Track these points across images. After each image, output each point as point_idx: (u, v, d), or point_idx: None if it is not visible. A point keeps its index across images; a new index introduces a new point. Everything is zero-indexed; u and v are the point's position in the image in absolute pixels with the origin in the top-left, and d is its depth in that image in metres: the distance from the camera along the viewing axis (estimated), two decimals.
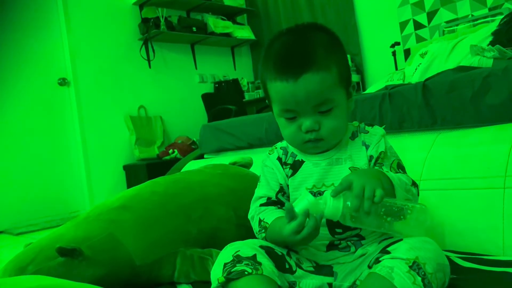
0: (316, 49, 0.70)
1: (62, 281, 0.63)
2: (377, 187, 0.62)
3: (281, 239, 0.71)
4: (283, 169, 0.80)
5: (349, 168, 0.76)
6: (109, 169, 3.40)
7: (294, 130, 0.73)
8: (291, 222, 0.65)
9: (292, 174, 0.79)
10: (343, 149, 0.78)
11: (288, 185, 0.80)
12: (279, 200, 0.80)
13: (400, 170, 0.77)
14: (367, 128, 0.80)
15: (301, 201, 0.66)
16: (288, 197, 0.80)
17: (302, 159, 0.79)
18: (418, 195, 0.75)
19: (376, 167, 0.75)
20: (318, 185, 0.76)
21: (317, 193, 0.76)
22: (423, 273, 0.60)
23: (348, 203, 0.64)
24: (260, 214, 0.79)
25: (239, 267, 0.64)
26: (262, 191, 0.82)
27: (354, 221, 0.65)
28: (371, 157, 0.77)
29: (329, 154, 0.77)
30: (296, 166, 0.79)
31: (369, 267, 0.68)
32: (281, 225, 0.69)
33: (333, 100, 0.71)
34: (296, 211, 0.66)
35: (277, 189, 0.80)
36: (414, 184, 0.74)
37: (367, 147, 0.78)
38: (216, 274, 0.66)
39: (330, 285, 0.72)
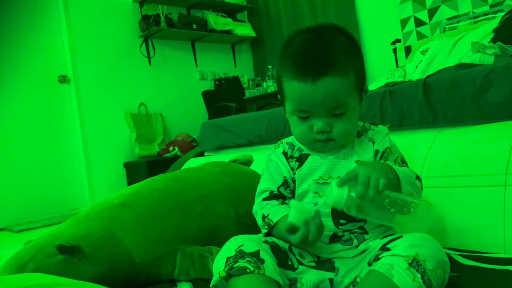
0: (337, 53, 0.70)
1: (62, 279, 0.63)
2: (381, 177, 0.63)
3: (288, 242, 0.72)
4: (289, 162, 0.81)
5: (355, 162, 0.77)
6: (110, 166, 3.40)
7: (306, 130, 0.74)
8: (296, 234, 0.67)
9: (299, 166, 0.79)
10: (350, 146, 0.79)
11: (293, 179, 0.80)
12: (281, 193, 0.81)
13: (404, 164, 0.79)
14: (372, 127, 0.82)
15: (293, 213, 0.68)
16: (292, 190, 0.81)
17: (308, 153, 0.80)
18: (422, 189, 0.76)
19: (381, 161, 0.77)
20: (325, 177, 0.77)
21: (323, 184, 0.76)
22: (422, 270, 0.60)
23: (353, 194, 0.64)
24: (263, 209, 0.79)
25: (241, 263, 0.64)
26: (265, 184, 0.82)
27: (358, 211, 0.66)
28: (377, 151, 0.78)
29: (335, 151, 0.78)
30: (302, 159, 0.80)
31: (369, 264, 0.68)
32: (287, 232, 0.70)
33: (347, 104, 0.71)
34: (295, 224, 0.67)
35: (280, 183, 0.81)
36: (418, 177, 0.75)
37: (373, 142, 0.79)
38: (218, 267, 0.67)
39: (331, 280, 0.72)
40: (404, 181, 0.68)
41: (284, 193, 0.81)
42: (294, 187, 0.80)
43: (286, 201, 0.80)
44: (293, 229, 0.67)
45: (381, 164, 0.71)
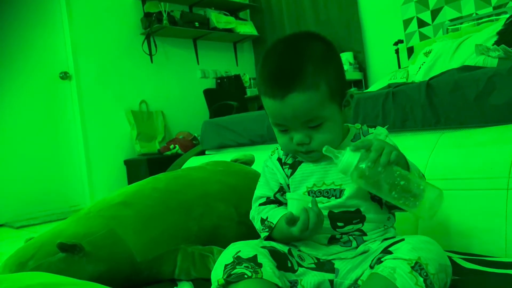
0: (305, 67, 0.69)
1: (63, 278, 0.63)
2: (394, 150, 0.65)
3: (291, 238, 0.73)
4: (283, 169, 0.81)
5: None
6: (110, 163, 3.40)
7: (287, 141, 0.74)
8: (297, 224, 0.68)
9: (292, 173, 0.80)
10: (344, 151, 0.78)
11: (288, 185, 0.80)
12: (277, 199, 0.82)
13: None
14: (370, 130, 0.80)
15: (292, 203, 0.70)
16: None
17: (301, 160, 0.80)
18: None
19: None
20: (319, 184, 0.76)
21: (317, 192, 0.76)
22: (425, 273, 0.60)
23: (363, 165, 0.64)
24: (261, 213, 0.80)
25: (238, 270, 0.64)
26: (261, 191, 0.83)
27: (366, 181, 0.65)
28: None
29: (327, 157, 0.77)
30: (295, 165, 0.80)
31: (371, 267, 0.68)
32: (288, 227, 0.70)
33: (322, 116, 0.71)
34: (295, 214, 0.69)
35: (276, 189, 0.82)
36: (423, 175, 0.75)
37: None
38: (217, 275, 0.66)
39: (331, 282, 0.72)
40: (413, 169, 0.69)
41: (280, 199, 0.82)
42: None
43: (282, 206, 0.81)
44: (293, 219, 0.68)
45: (394, 145, 0.71)
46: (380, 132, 0.79)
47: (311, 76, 0.69)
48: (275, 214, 0.77)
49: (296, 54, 0.71)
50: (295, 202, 0.70)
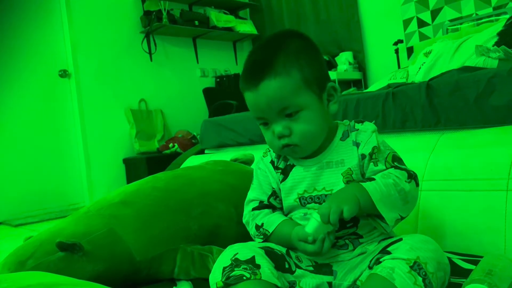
0: (276, 57, 0.70)
1: (64, 278, 0.63)
2: (345, 204, 0.66)
3: (290, 247, 0.73)
4: (276, 172, 0.80)
5: (341, 174, 0.74)
6: (109, 162, 3.39)
7: (270, 136, 0.74)
8: (309, 246, 0.67)
9: (283, 179, 0.78)
10: (334, 152, 0.75)
11: (280, 189, 0.80)
12: (271, 204, 0.81)
13: (395, 163, 0.73)
14: (357, 125, 0.76)
15: (313, 223, 0.67)
16: (281, 201, 0.80)
17: (293, 163, 0.78)
18: (418, 185, 0.71)
19: (371, 164, 0.72)
20: (309, 190, 0.75)
21: (309, 198, 0.76)
22: (424, 273, 0.60)
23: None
24: (255, 219, 0.80)
25: (237, 272, 0.64)
26: (254, 193, 0.82)
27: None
28: (363, 155, 0.73)
29: (319, 158, 0.76)
30: (287, 171, 0.79)
31: (370, 267, 0.68)
32: (293, 238, 0.70)
33: (297, 104, 0.70)
34: (313, 235, 0.67)
35: (270, 193, 0.80)
36: (410, 176, 0.70)
37: (357, 145, 0.74)
38: (215, 278, 0.66)
39: (330, 284, 0.72)
40: (381, 199, 0.66)
41: (274, 203, 0.81)
42: None
43: (276, 211, 0.80)
44: (306, 240, 0.67)
45: (350, 188, 0.69)
46: (366, 128, 0.75)
47: (282, 64, 0.70)
48: (270, 221, 0.76)
49: (270, 48, 0.73)
50: (316, 224, 0.67)
